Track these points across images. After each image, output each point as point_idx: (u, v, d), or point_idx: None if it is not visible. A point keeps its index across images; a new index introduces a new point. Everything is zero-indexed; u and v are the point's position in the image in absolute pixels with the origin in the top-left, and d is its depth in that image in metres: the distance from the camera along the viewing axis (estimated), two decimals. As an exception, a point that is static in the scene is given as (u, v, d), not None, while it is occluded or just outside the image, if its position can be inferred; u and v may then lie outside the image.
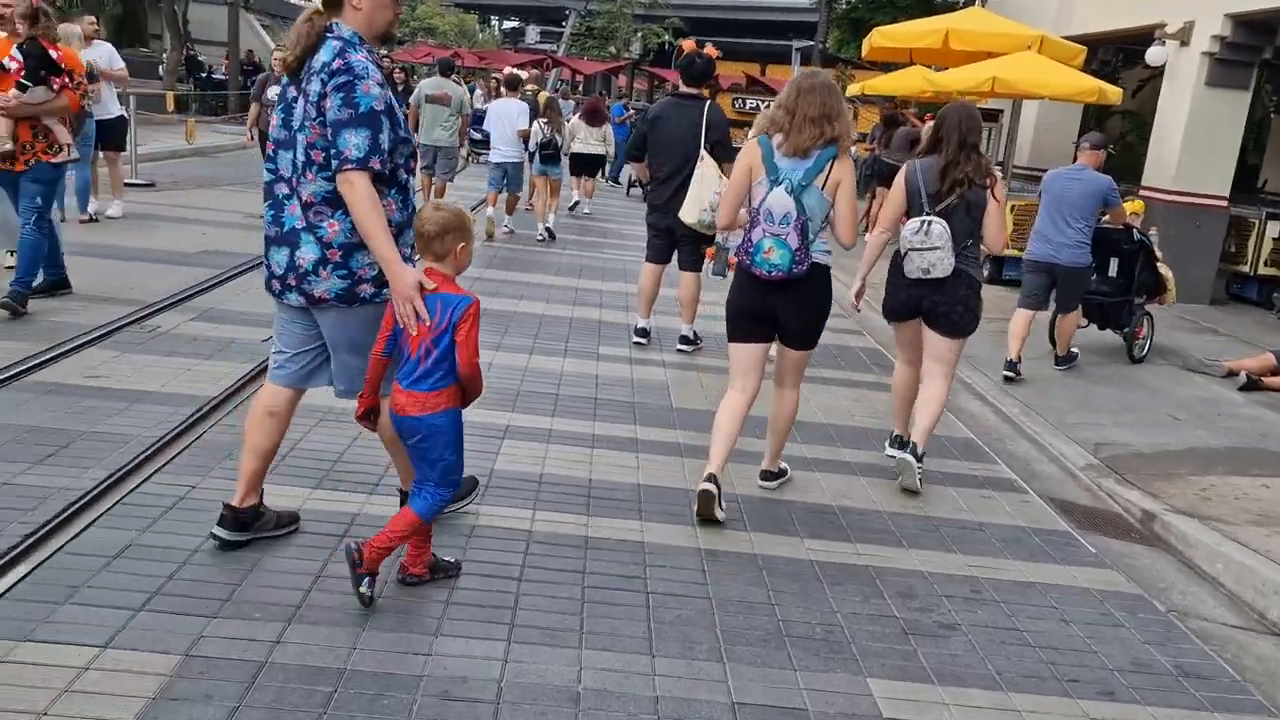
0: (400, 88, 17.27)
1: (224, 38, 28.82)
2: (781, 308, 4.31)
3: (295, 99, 3.25)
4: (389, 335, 3.17)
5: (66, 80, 6.26)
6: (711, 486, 4.14)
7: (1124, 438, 6.06)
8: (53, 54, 6.21)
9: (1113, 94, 10.86)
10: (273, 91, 9.36)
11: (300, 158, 3.22)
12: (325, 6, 3.26)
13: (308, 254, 3.25)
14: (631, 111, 19.24)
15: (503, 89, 13.28)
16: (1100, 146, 7.48)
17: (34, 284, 6.27)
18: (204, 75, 26.94)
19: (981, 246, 4.87)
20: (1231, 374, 7.63)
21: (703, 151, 6.50)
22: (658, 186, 6.81)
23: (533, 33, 50.22)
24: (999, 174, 5.58)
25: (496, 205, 11.47)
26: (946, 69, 13.41)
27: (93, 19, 9.66)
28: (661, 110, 6.83)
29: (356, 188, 3.09)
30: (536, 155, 11.94)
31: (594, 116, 13.78)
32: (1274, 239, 11.30)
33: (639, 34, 35.26)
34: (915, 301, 4.87)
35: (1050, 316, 7.69)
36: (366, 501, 4.01)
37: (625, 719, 2.82)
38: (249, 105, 11.56)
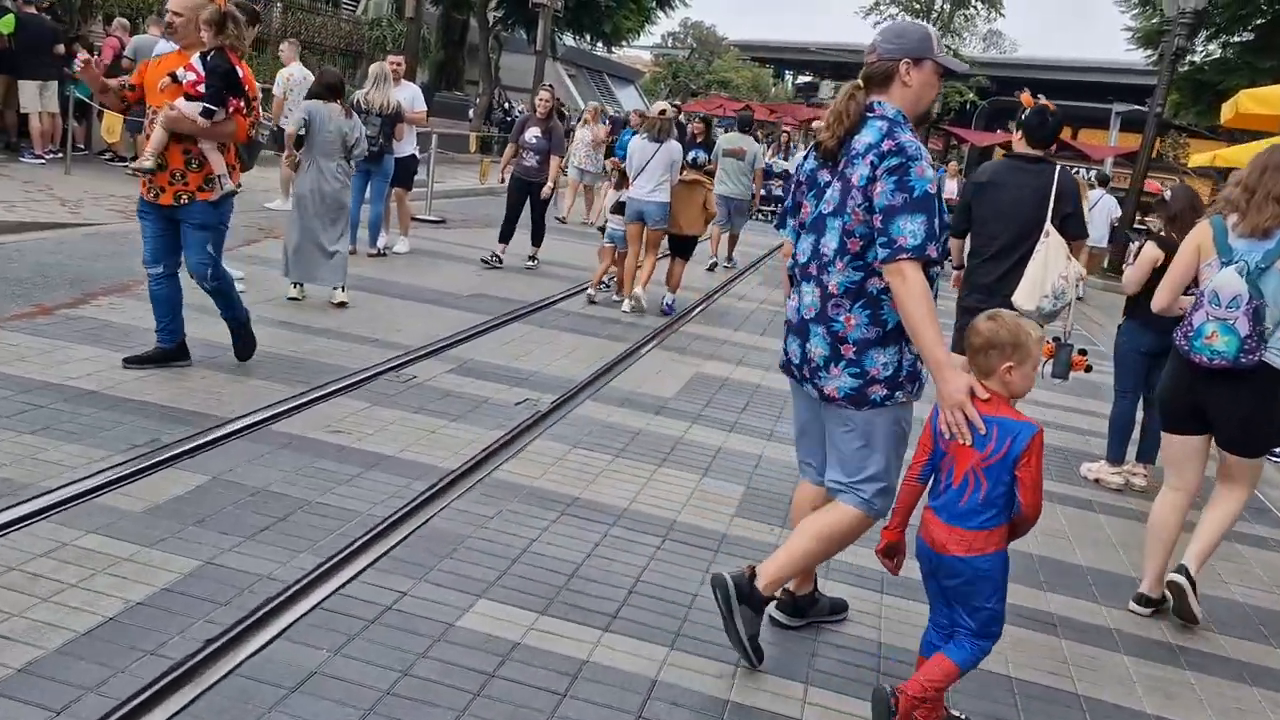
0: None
1: (537, 84, 30.30)
2: (1215, 404, 4.00)
3: (828, 183, 3.15)
4: (926, 460, 2.85)
5: (241, 104, 5.17)
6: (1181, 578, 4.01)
7: None
8: (238, 70, 5.10)
9: None
10: (530, 134, 9.80)
11: (831, 244, 3.10)
12: (868, 83, 3.15)
13: (818, 348, 3.14)
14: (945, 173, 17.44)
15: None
16: None
17: (169, 343, 5.31)
18: (506, 117, 28.25)
19: None
20: None
21: (1048, 226, 5.35)
22: (983, 263, 5.70)
23: (826, 88, 49.55)
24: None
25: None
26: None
27: (399, 59, 9.82)
28: (995, 174, 5.71)
29: (909, 278, 2.91)
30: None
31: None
32: None
33: (940, 92, 33.55)
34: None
35: None
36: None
37: None
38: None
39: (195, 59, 5.04)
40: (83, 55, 5.13)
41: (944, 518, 2.78)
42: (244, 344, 5.59)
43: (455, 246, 10.73)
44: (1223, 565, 4.77)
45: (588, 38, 32.07)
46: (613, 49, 38.16)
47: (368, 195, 9.20)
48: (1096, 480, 5.83)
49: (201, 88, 5.01)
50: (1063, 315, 5.43)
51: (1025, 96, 6.10)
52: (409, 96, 9.87)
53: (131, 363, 5.18)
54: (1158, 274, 4.80)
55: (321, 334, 6.43)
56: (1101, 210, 16.39)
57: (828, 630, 3.59)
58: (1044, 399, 7.42)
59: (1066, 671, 3.57)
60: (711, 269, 11.96)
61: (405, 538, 3.73)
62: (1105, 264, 17.48)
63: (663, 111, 9.04)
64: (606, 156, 12.68)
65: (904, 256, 2.91)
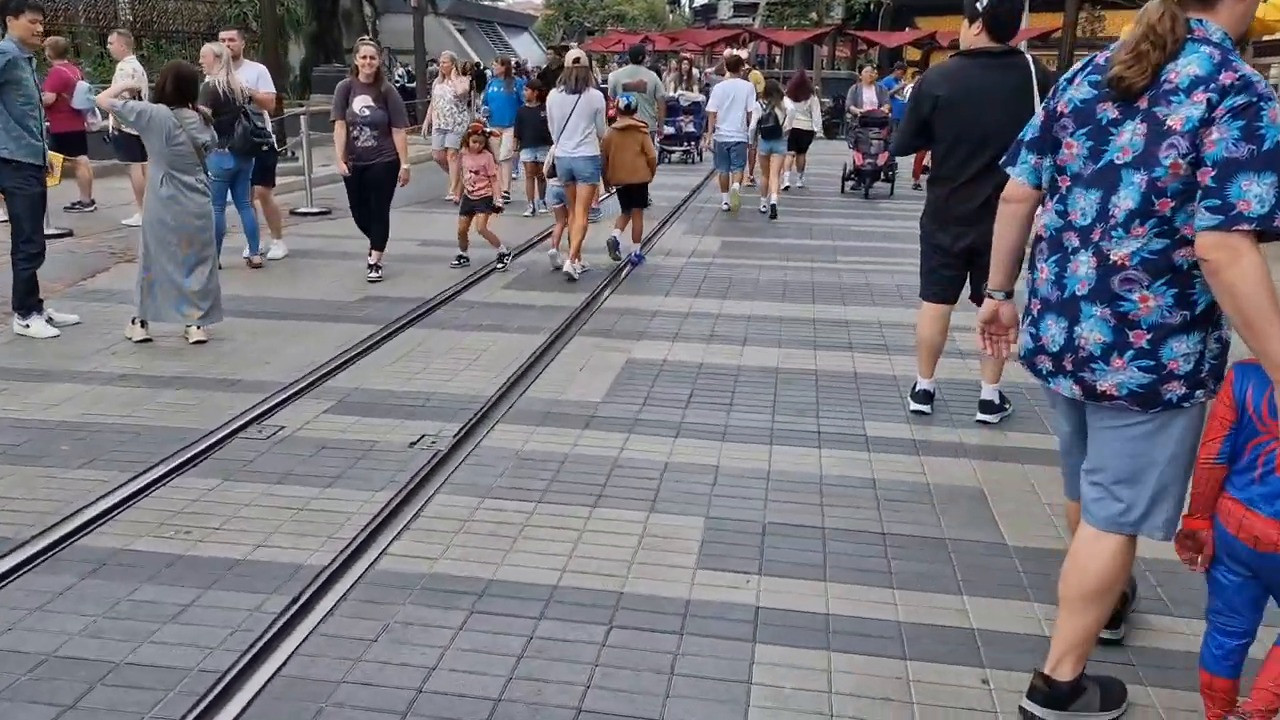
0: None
1: (419, 45, 28.45)
2: None
3: (1115, 122, 2.44)
4: (1225, 436, 2.33)
5: None
6: None
7: None
8: None
9: None
10: (360, 104, 7.59)
11: (1128, 203, 2.40)
12: None
13: (1094, 333, 2.48)
14: (903, 83, 15.64)
15: (725, 70, 13.06)
16: None
17: None
18: (397, 84, 26.53)
19: None
20: None
21: None
22: (958, 190, 4.72)
23: (725, 8, 48.05)
24: None
25: (725, 187, 12.06)
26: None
27: (232, 34, 8.44)
28: (957, 80, 4.70)
29: (1244, 257, 2.20)
30: (758, 133, 11.85)
31: (800, 91, 13.24)
32: None
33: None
34: None
35: None
36: None
37: None
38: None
39: None
40: None
41: (1266, 509, 2.26)
42: None
43: (343, 241, 9.48)
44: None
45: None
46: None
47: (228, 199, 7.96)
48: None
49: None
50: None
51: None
52: (254, 77, 8.57)
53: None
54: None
55: (171, 385, 5.28)
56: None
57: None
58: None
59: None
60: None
61: (250, 703, 2.69)
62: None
63: (577, 60, 8.38)
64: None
65: (1243, 227, 2.19)
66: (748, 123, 11.53)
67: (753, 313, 7.12)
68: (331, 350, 5.95)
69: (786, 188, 13.23)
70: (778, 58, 37.38)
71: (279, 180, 9.39)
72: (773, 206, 11.49)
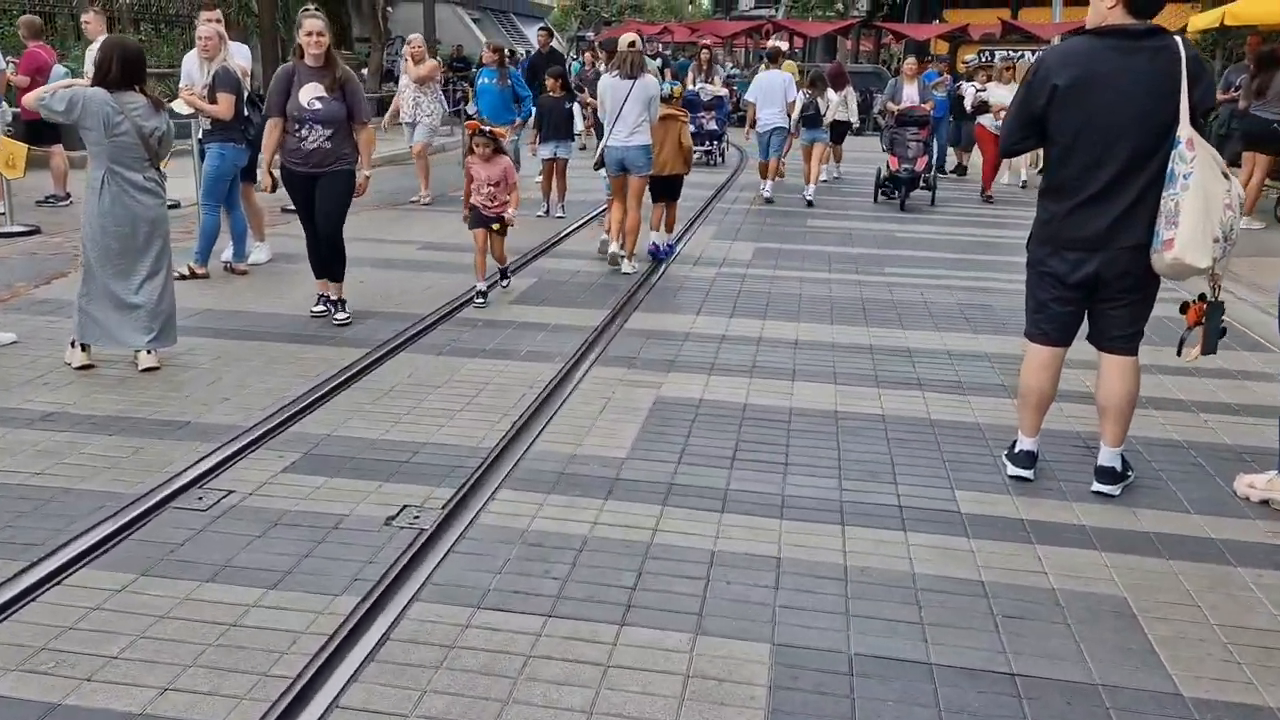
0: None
1: (436, 35, 27.51)
2: None
3: None
4: None
5: None
6: None
7: None
8: None
9: None
10: (308, 96, 5.83)
11: None
12: None
13: None
14: (945, 77, 14.58)
15: (765, 61, 13.35)
16: None
17: None
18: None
19: None
20: None
21: (1186, 129, 3.44)
22: (1082, 205, 3.74)
23: (746, -1, 46.94)
24: None
25: (766, 175, 11.99)
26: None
27: (215, 13, 7.43)
28: (1079, 61, 3.72)
29: None
30: (800, 122, 12.08)
31: (838, 80, 12.98)
32: None
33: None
34: None
35: None
36: None
37: None
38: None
39: None
40: None
41: None
42: None
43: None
44: None
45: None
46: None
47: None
48: (1265, 501, 3.95)
49: None
50: (1219, 261, 3.55)
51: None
52: (245, 59, 7.65)
53: None
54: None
55: (103, 428, 4.35)
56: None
57: None
58: (1183, 387, 5.54)
59: None
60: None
61: None
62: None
63: (631, 44, 7.77)
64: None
65: None
66: (788, 112, 11.84)
67: (799, 336, 6.14)
68: (305, 381, 5.01)
69: (824, 180, 13.37)
70: (798, 50, 36.22)
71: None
72: (808, 202, 11.85)
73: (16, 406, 4.58)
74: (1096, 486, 3.99)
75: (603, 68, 12.08)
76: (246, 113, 6.95)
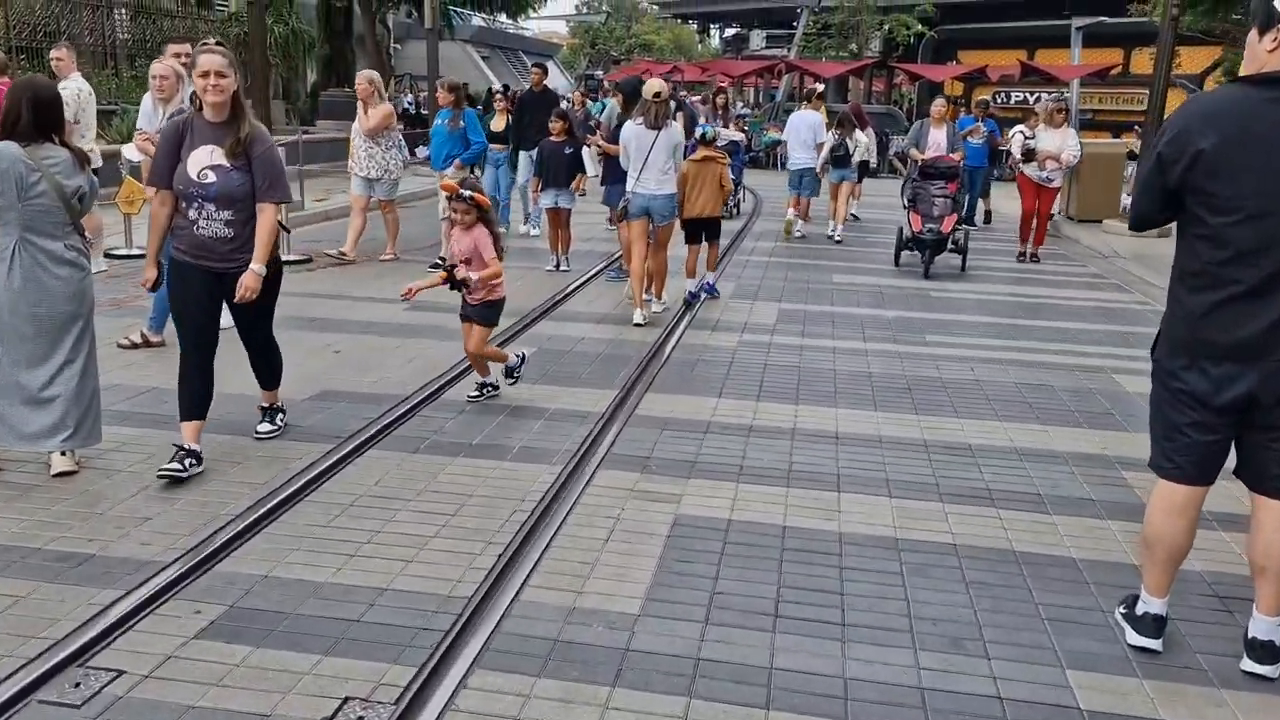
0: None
1: (445, 72, 26.90)
2: None
3: None
4: None
5: None
6: None
7: None
8: None
9: None
10: (198, 162, 4.23)
11: None
12: None
13: None
14: (980, 125, 13.40)
15: (802, 103, 13.86)
16: None
17: None
18: (411, 111, 24.95)
19: None
20: None
21: None
22: (1229, 300, 2.88)
23: (757, 38, 46.54)
24: None
25: (797, 208, 12.44)
26: None
27: (183, 48, 6.60)
28: (1229, 117, 2.84)
29: None
30: (830, 162, 12.30)
31: (859, 121, 13.18)
32: None
33: (884, 26, 30.70)
34: None
35: None
36: None
37: None
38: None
39: None
40: None
41: None
42: None
43: (312, 300, 7.73)
44: None
45: (488, 11, 28.79)
46: (518, 19, 34.89)
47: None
48: None
49: None
50: None
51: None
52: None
53: None
54: None
55: (-17, 562, 3.46)
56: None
57: None
58: None
59: None
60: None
61: None
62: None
63: (657, 94, 7.52)
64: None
65: None
66: (818, 152, 12.12)
67: (840, 428, 5.25)
68: (250, 492, 4.13)
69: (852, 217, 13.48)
70: (809, 91, 35.62)
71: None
72: (835, 240, 12.15)
73: (-116, 530, 3.71)
74: (1250, 665, 3.07)
75: (599, 104, 11.32)
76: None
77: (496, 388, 5.57)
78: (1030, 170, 10.92)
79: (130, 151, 6.21)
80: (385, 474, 4.42)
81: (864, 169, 13.61)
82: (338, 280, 8.71)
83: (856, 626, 3.27)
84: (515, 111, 11.22)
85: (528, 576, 3.52)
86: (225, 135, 4.29)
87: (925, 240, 9.96)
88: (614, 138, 9.09)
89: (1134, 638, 3.20)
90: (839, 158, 12.29)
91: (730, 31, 51.83)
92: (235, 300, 4.37)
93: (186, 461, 4.27)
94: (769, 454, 4.84)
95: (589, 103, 19.37)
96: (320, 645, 3.03)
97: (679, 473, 4.55)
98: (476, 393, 5.53)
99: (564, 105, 10.82)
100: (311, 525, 3.89)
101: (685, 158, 7.85)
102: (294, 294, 7.99)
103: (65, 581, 3.37)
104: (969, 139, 12.65)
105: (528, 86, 12.00)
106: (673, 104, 8.22)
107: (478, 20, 42.10)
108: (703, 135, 8.33)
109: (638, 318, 7.47)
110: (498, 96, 11.97)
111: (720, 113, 14.97)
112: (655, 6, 54.44)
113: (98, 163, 7.74)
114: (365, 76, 9.27)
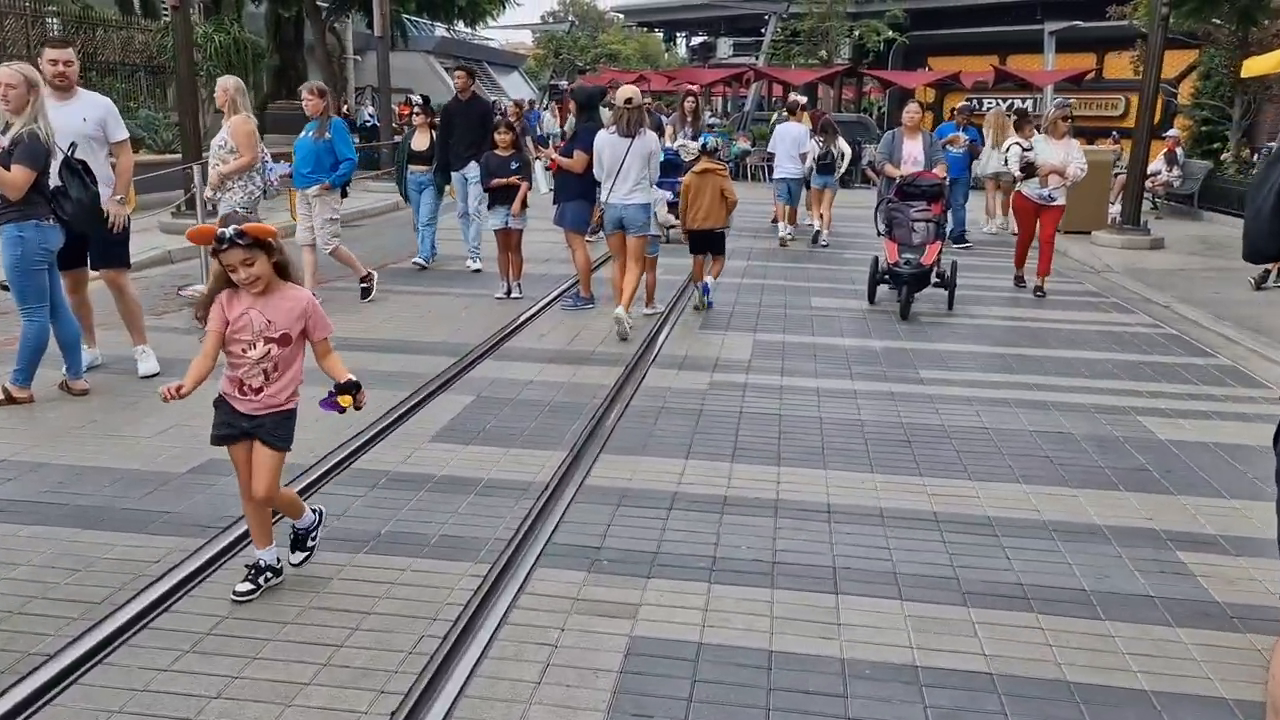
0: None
1: (408, 84, 25.95)
2: None
3: None
4: None
5: None
6: None
7: None
8: None
9: None
10: None
11: None
12: None
13: None
14: (961, 135, 12.66)
15: (785, 112, 13.92)
16: None
17: None
18: (365, 124, 23.93)
19: None
20: None
21: None
22: None
23: (724, 46, 45.85)
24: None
25: (784, 218, 12.55)
26: None
27: (61, 54, 5.59)
28: None
29: None
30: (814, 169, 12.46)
31: (823, 131, 12.85)
32: None
33: (854, 33, 30.03)
34: None
35: None
36: None
37: None
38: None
39: None
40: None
41: None
42: None
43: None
44: None
45: (444, 19, 27.85)
46: (476, 28, 33.96)
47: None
48: None
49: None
50: None
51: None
52: (97, 116, 5.81)
53: None
54: None
55: None
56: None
57: None
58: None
59: None
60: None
61: None
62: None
63: (629, 100, 7.31)
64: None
65: None
66: (802, 162, 12.30)
67: (832, 498, 4.36)
68: (83, 615, 3.17)
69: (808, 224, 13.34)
70: (778, 100, 34.92)
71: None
72: (816, 233, 12.49)
73: None
74: None
75: (548, 115, 10.34)
76: (61, 182, 5.15)
77: (280, 572, 3.46)
78: (1029, 189, 9.34)
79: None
80: (278, 576, 3.47)
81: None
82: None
83: (877, 829, 2.37)
84: (441, 126, 9.84)
85: (431, 742, 2.59)
86: None
87: (903, 275, 8.22)
88: (568, 150, 8.22)
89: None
90: (824, 165, 12.36)
91: (697, 40, 51.15)
92: None
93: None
94: (748, 537, 3.94)
95: (544, 115, 18.46)
96: None
97: (636, 569, 3.64)
98: (250, 587, 3.35)
99: (498, 117, 9.47)
100: (161, 662, 2.94)
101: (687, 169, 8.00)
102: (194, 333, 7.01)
103: None
104: (949, 148, 11.81)
105: (454, 95, 10.05)
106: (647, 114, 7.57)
107: (441, 31, 41.15)
108: (703, 146, 8.29)
109: (621, 328, 7.16)
110: (416, 110, 10.32)
111: (690, 120, 13.96)
112: (621, 15, 53.69)
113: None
114: (222, 84, 7.36)
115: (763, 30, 34.70)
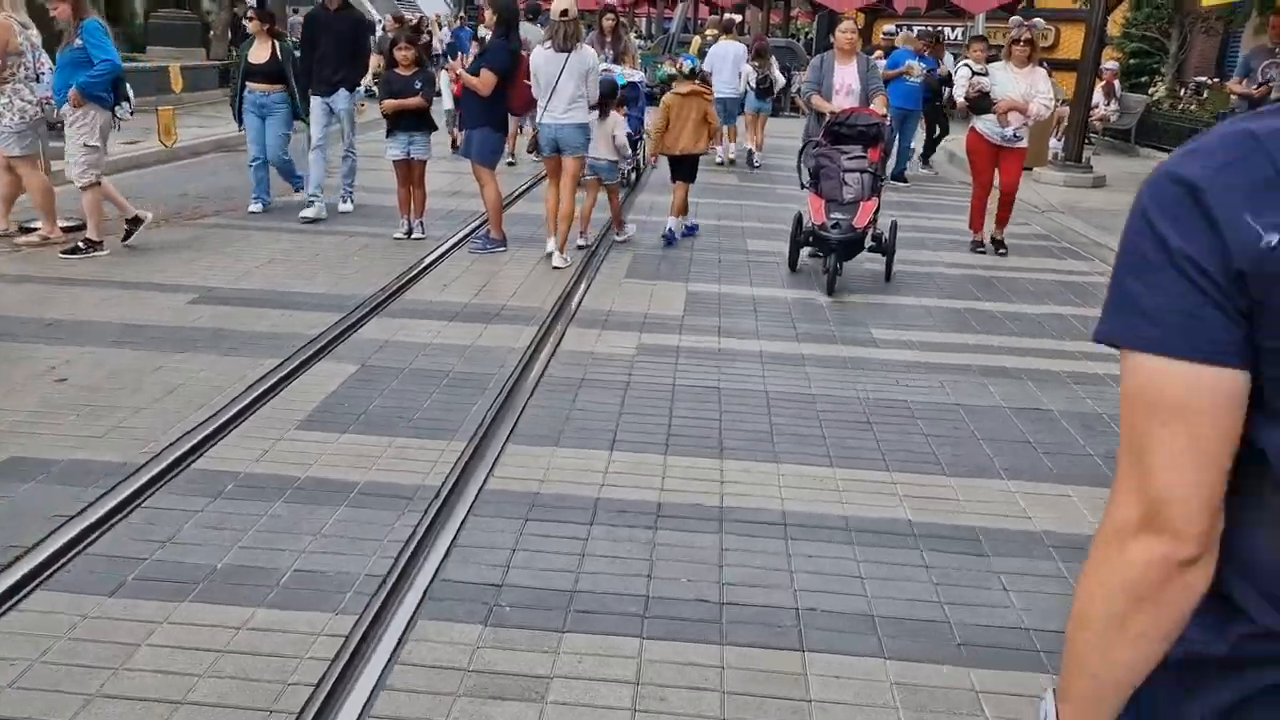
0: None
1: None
2: None
3: None
4: None
5: None
6: None
7: None
8: None
9: None
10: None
11: None
12: None
13: None
14: (916, 64, 11.00)
15: (720, 33, 13.53)
16: None
17: None
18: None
19: None
20: None
21: None
22: None
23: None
24: None
25: (733, 138, 12.55)
26: None
27: None
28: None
29: None
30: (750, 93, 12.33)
31: (760, 56, 12.54)
32: None
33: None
34: None
35: None
36: None
37: None
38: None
39: None
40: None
41: None
42: None
43: (62, 292, 5.65)
44: None
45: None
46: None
47: None
48: None
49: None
50: None
51: None
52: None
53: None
54: None
55: None
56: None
57: None
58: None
59: None
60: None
61: None
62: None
63: (564, 12, 6.75)
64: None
65: None
66: (739, 82, 12.15)
67: (786, 504, 3.60)
68: None
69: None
70: (702, 21, 33.50)
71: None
72: (750, 154, 12.57)
73: None
74: None
75: (444, 30, 9.10)
76: None
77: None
78: (985, 125, 7.85)
79: None
80: (46, 650, 2.57)
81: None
82: (108, 261, 6.58)
83: None
84: (303, 41, 8.27)
85: None
86: None
87: (830, 240, 6.52)
88: (475, 68, 7.17)
89: None
90: (762, 90, 12.27)
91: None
92: None
93: None
94: (689, 565, 3.15)
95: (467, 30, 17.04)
96: None
97: (548, 620, 2.83)
98: None
99: (380, 33, 8.05)
100: None
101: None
102: (39, 279, 5.88)
103: None
104: (906, 78, 10.86)
105: (320, 2, 8.38)
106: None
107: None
108: (691, 69, 8.07)
109: (556, 260, 6.91)
110: (250, 15, 8.77)
111: (609, 40, 12.69)
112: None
113: None
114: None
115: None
